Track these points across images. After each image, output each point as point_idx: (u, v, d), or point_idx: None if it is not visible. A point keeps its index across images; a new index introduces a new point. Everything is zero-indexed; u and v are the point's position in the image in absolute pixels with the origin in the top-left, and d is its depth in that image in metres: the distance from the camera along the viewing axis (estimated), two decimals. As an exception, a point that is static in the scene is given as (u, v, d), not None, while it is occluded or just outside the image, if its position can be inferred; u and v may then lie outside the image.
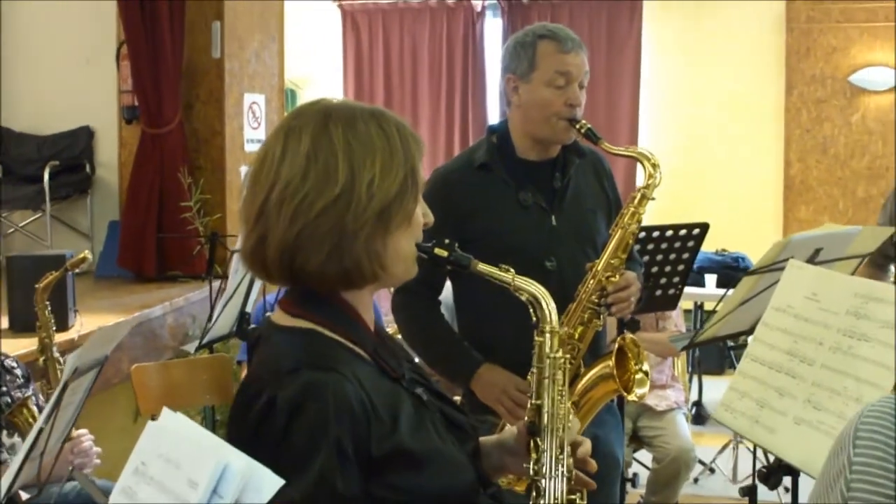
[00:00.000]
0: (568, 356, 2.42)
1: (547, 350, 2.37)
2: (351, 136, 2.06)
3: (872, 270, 4.70)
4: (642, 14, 11.73)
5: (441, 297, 3.82)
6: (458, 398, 3.62)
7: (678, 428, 5.93)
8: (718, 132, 11.46)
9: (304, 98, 11.85)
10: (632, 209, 3.56)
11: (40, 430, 3.03)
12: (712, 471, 7.30)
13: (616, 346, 3.46)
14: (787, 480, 3.29)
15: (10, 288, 5.71)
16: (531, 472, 2.28)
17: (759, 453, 5.75)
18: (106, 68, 8.41)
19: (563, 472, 2.26)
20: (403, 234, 2.12)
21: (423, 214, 2.19)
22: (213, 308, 6.09)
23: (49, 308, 4.26)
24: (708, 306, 8.62)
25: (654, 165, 3.56)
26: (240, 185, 8.45)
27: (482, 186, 3.67)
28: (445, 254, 2.33)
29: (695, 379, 8.62)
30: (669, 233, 4.97)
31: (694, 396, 8.47)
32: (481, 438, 2.41)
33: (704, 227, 4.98)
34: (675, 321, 6.25)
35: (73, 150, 8.58)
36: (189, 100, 8.33)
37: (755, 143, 11.44)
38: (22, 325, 5.34)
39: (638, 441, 6.07)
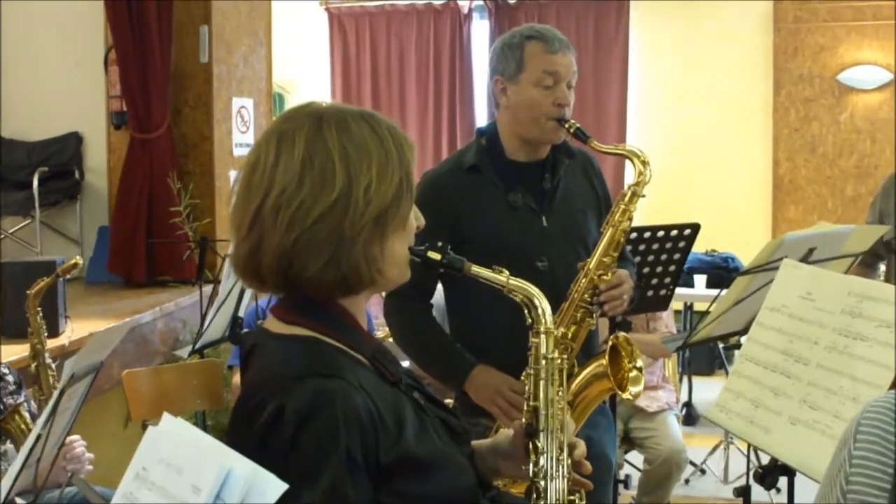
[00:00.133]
0: (564, 357, 2.42)
1: (543, 351, 2.36)
2: (345, 139, 2.03)
3: (862, 269, 4.71)
4: (629, 15, 11.74)
5: (432, 300, 3.82)
6: (448, 401, 3.61)
7: (669, 429, 5.93)
8: (706, 132, 11.47)
9: (291, 102, 11.84)
10: (622, 207, 3.56)
11: (38, 437, 3.02)
12: (703, 472, 7.31)
13: (609, 344, 3.46)
14: (780, 481, 3.29)
15: (0, 294, 5.69)
16: (530, 473, 2.27)
17: (752, 454, 5.74)
18: (94, 74, 8.39)
19: (563, 472, 2.26)
20: (398, 239, 2.11)
21: (415, 217, 2.18)
22: (204, 313, 6.08)
23: (41, 314, 4.26)
24: (698, 307, 8.64)
25: (644, 163, 3.57)
26: (229, 189, 8.43)
27: (472, 189, 3.66)
28: (439, 257, 2.32)
29: (685, 380, 8.62)
30: (660, 233, 4.98)
31: (684, 397, 8.48)
32: (474, 442, 2.40)
33: (695, 228, 4.99)
34: (666, 322, 6.26)
35: (63, 156, 8.55)
36: (177, 104, 8.31)
37: (743, 142, 11.46)
38: (13, 331, 5.31)
39: (629, 442, 6.07)
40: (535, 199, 3.68)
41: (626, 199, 3.56)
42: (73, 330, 5.81)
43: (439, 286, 3.85)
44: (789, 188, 11.34)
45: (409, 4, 12.43)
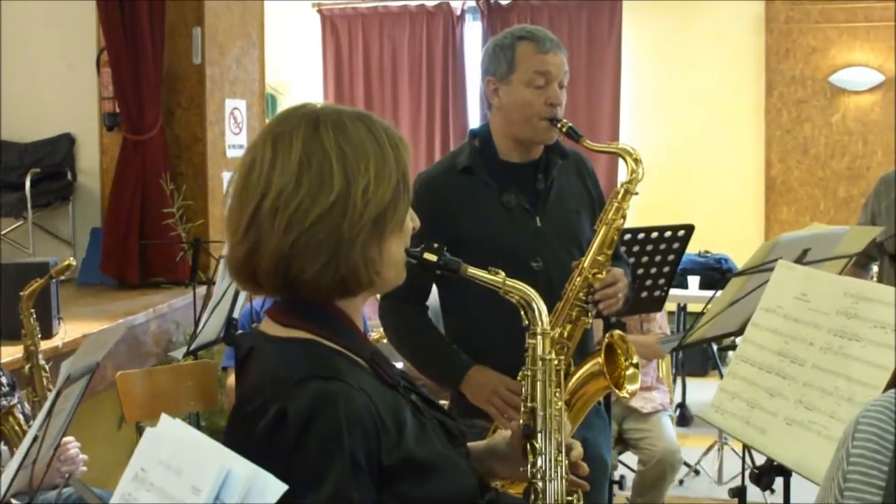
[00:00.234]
0: (561, 358, 2.42)
1: (539, 352, 2.36)
2: (342, 140, 2.02)
3: (855, 270, 4.72)
4: (622, 16, 11.74)
5: (427, 302, 3.82)
6: (443, 402, 3.61)
7: (664, 430, 5.93)
8: (699, 134, 11.48)
9: (284, 103, 11.84)
10: (616, 204, 3.55)
11: (35, 438, 3.02)
12: (697, 472, 7.30)
13: (605, 342, 3.46)
14: (775, 481, 3.29)
15: (-6, 295, 5.69)
16: (528, 474, 2.27)
17: (747, 455, 5.75)
18: (86, 75, 8.40)
19: (561, 473, 2.26)
20: (396, 240, 2.09)
21: (410, 219, 2.16)
22: (199, 314, 6.07)
23: (34, 315, 4.25)
24: (691, 308, 8.65)
25: (637, 160, 3.56)
26: (222, 191, 8.42)
27: (465, 190, 3.66)
28: (435, 258, 2.32)
29: (678, 381, 8.63)
30: (654, 234, 4.99)
31: (678, 398, 8.49)
32: (470, 444, 2.39)
33: (690, 229, 5.00)
34: (660, 323, 6.26)
35: (55, 158, 8.55)
36: (170, 106, 8.31)
37: (736, 144, 11.47)
38: (6, 332, 5.30)
39: (623, 443, 6.07)
40: (529, 199, 3.67)
41: (619, 196, 3.55)
42: (67, 331, 5.80)
43: (434, 288, 3.86)
44: (781, 189, 11.36)
45: (402, 6, 12.42)
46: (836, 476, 1.99)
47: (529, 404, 2.35)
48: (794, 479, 3.16)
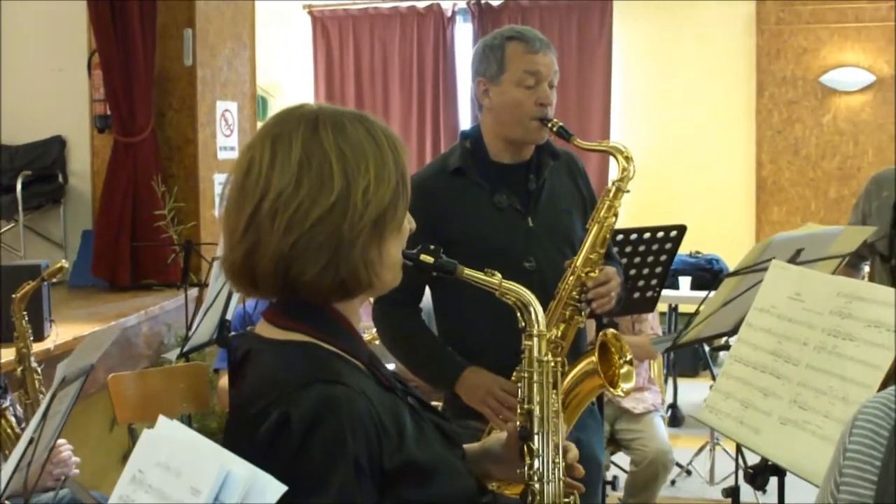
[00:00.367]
0: (559, 360, 2.42)
1: (536, 354, 2.36)
2: (342, 141, 2.00)
3: (846, 270, 4.72)
4: (612, 16, 11.76)
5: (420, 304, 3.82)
6: (435, 403, 3.61)
7: (656, 430, 5.94)
8: (690, 134, 11.50)
9: (275, 105, 11.83)
10: (607, 203, 3.55)
11: (31, 440, 3.01)
12: (689, 473, 7.31)
13: (598, 341, 3.46)
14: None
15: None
16: (525, 476, 2.27)
17: (739, 455, 5.75)
18: (77, 77, 8.37)
19: (558, 475, 2.26)
20: (394, 242, 2.09)
21: (407, 221, 2.15)
22: (192, 316, 6.06)
23: (26, 318, 4.24)
24: (682, 308, 8.66)
25: (627, 158, 3.56)
26: (213, 193, 8.42)
27: (457, 191, 3.67)
28: (432, 260, 2.32)
29: (670, 381, 8.64)
30: (647, 235, 5.00)
31: (669, 399, 8.50)
32: (465, 446, 2.38)
33: (682, 230, 5.00)
34: (652, 324, 6.26)
35: (46, 160, 8.52)
36: (161, 108, 8.28)
37: (727, 144, 11.49)
38: (-1, 334, 5.31)
39: (616, 444, 6.08)
40: (521, 200, 3.68)
41: (611, 195, 3.56)
42: (59, 334, 5.79)
43: (427, 289, 3.86)
44: (773, 190, 11.38)
45: (393, 7, 12.43)
46: (834, 471, 2.00)
47: (526, 406, 2.35)
48: (788, 478, 3.17)
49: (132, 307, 7.14)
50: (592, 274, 3.49)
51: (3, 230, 8.40)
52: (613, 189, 3.56)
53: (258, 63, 9.56)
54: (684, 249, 9.27)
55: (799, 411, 2.95)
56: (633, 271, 5.02)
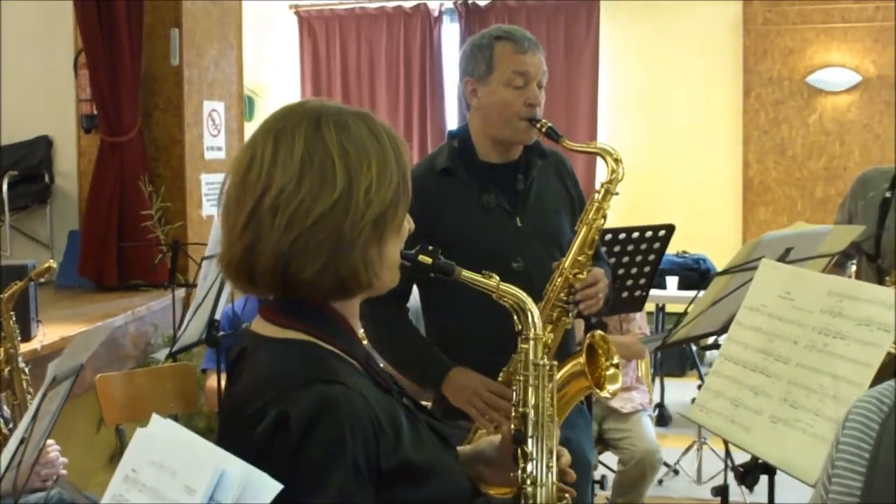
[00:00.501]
0: (554, 363, 2.41)
1: (532, 357, 2.36)
2: (345, 138, 1.99)
3: (834, 269, 4.73)
4: (600, 16, 11.77)
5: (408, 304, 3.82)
6: (425, 403, 3.60)
7: (643, 430, 5.94)
8: (677, 134, 11.53)
9: (262, 105, 11.82)
10: (596, 204, 3.55)
11: (22, 440, 3.00)
12: (676, 472, 7.32)
13: (586, 343, 3.46)
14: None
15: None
16: (519, 479, 2.26)
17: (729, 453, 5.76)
18: (64, 77, 8.36)
19: (551, 479, 2.26)
20: (394, 242, 2.08)
21: (407, 221, 2.14)
22: (181, 316, 6.05)
23: (14, 318, 4.23)
24: (670, 308, 8.67)
25: (616, 160, 3.56)
26: (201, 193, 8.42)
27: (445, 191, 3.66)
28: (430, 261, 2.31)
29: (657, 381, 8.65)
30: (635, 234, 4.99)
31: (656, 398, 8.51)
32: (457, 448, 2.38)
33: (670, 229, 5.00)
34: (639, 323, 6.26)
35: (32, 160, 8.50)
36: (148, 108, 8.28)
37: (714, 144, 11.52)
38: (-15, 335, 5.28)
39: (604, 443, 6.08)
40: (509, 200, 3.68)
41: (600, 196, 3.55)
42: (45, 334, 5.78)
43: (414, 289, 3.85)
44: (759, 190, 11.40)
45: (379, 7, 12.43)
46: (827, 464, 2.03)
47: (521, 409, 2.34)
48: (778, 477, 3.17)
49: (119, 307, 7.13)
50: (580, 275, 3.49)
51: (-11, 230, 8.39)
52: (603, 191, 3.55)
53: (245, 63, 9.55)
54: (671, 249, 9.25)
55: (790, 410, 2.95)
56: (621, 271, 5.01)
